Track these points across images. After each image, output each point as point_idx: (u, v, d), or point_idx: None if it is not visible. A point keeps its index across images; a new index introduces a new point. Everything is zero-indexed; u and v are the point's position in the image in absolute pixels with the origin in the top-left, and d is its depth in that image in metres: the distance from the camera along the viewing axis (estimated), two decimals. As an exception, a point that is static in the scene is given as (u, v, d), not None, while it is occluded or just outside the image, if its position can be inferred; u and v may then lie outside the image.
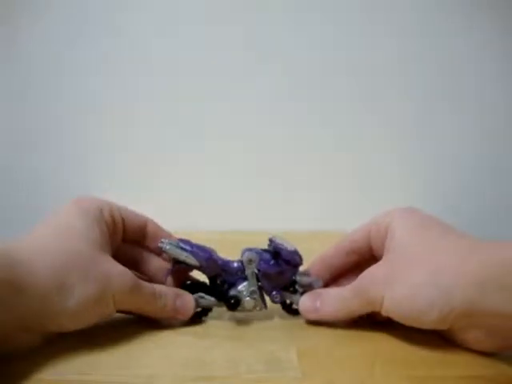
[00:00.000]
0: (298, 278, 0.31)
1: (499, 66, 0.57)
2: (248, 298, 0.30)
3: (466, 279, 0.23)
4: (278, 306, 0.32)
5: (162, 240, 0.30)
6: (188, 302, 0.30)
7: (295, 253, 0.30)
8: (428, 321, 0.25)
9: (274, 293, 0.31)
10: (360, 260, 0.32)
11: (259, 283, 0.31)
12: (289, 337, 0.29)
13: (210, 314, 0.31)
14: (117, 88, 0.59)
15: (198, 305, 0.30)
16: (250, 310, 0.31)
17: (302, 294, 0.31)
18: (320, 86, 0.58)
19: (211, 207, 0.58)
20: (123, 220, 0.31)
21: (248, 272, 0.30)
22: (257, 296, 0.31)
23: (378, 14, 0.57)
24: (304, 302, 0.30)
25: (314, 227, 0.54)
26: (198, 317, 0.31)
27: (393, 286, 0.26)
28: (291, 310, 0.32)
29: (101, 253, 0.27)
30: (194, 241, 0.31)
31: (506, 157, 0.59)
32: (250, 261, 0.30)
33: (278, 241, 0.30)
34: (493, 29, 0.56)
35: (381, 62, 0.57)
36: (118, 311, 0.28)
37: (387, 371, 0.24)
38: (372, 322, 0.30)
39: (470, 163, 0.59)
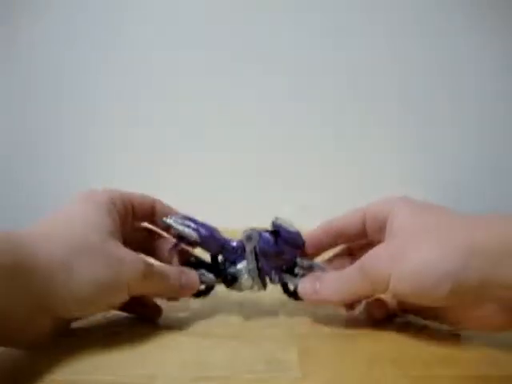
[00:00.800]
0: (298, 260, 0.31)
1: (499, 65, 0.57)
2: (246, 276, 0.30)
3: (477, 250, 0.23)
4: (278, 305, 0.32)
5: (168, 216, 0.31)
6: (193, 278, 0.30)
7: (296, 234, 0.30)
8: (440, 295, 0.24)
9: (273, 273, 0.31)
10: (348, 243, 0.32)
11: (259, 263, 0.31)
12: (289, 337, 0.28)
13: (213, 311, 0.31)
14: (117, 88, 0.59)
15: (200, 281, 0.31)
16: (247, 289, 0.31)
17: (303, 277, 0.30)
18: (320, 86, 0.58)
19: (211, 207, 0.58)
20: (133, 206, 0.31)
21: (247, 250, 0.30)
22: (255, 275, 0.30)
23: (377, 13, 0.57)
24: (303, 285, 0.29)
25: (314, 227, 0.54)
26: (199, 295, 0.31)
27: (401, 263, 0.25)
28: (292, 294, 0.31)
29: (112, 240, 0.27)
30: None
31: (506, 157, 0.59)
32: (249, 238, 0.30)
33: (280, 221, 0.30)
34: (493, 29, 0.56)
35: (381, 61, 0.57)
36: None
37: (387, 371, 0.24)
38: (372, 320, 0.30)
39: (470, 163, 0.59)
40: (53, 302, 0.24)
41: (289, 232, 0.30)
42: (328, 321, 0.31)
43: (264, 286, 0.31)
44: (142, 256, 0.29)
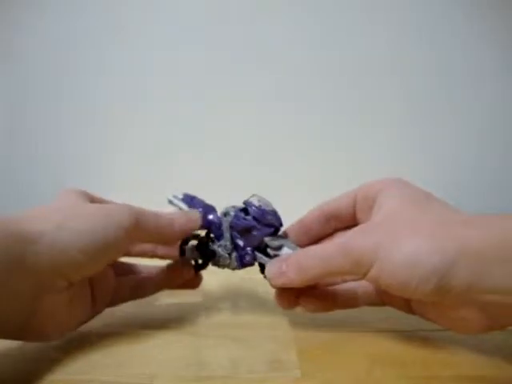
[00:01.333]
0: (266, 239, 0.29)
1: (500, 65, 0.57)
2: (222, 253, 0.30)
3: (469, 251, 0.22)
4: (277, 306, 0.32)
5: (172, 195, 0.32)
6: (194, 214, 0.30)
7: (268, 212, 0.29)
8: (423, 291, 0.23)
9: (247, 251, 0.30)
10: (340, 227, 0.31)
11: (234, 240, 0.30)
12: (289, 337, 0.28)
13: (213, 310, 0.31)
14: (116, 88, 0.59)
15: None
16: (226, 266, 0.31)
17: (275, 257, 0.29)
18: (320, 86, 0.58)
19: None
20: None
21: (223, 226, 0.30)
22: (230, 251, 0.30)
23: (377, 13, 0.57)
24: (269, 267, 0.28)
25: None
26: (198, 269, 0.32)
27: (389, 251, 0.23)
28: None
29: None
30: None
31: (507, 157, 0.59)
32: (225, 214, 0.30)
33: (253, 199, 0.30)
34: (493, 28, 0.56)
35: (380, 61, 0.57)
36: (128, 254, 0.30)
37: (387, 371, 0.24)
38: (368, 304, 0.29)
39: (470, 163, 0.59)
40: (53, 261, 0.23)
41: (258, 209, 0.29)
42: (328, 321, 0.31)
43: (241, 264, 0.30)
44: None
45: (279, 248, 0.29)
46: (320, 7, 0.57)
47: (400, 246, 0.23)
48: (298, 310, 0.32)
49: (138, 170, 0.60)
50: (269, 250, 0.30)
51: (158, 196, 0.33)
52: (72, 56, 0.58)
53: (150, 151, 0.60)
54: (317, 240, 0.31)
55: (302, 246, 0.30)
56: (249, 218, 0.30)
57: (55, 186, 0.60)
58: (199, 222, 0.30)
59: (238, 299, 0.34)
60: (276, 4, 0.57)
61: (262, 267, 0.30)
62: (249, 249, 0.30)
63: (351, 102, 0.59)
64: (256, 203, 0.29)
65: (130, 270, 0.33)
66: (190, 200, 0.32)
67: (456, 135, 0.59)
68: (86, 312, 0.27)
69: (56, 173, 0.61)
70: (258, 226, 0.29)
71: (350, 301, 0.29)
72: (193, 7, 0.57)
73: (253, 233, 0.30)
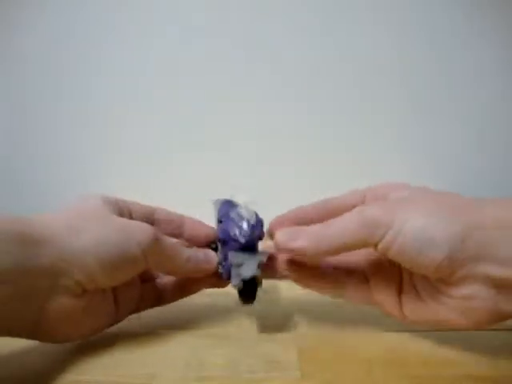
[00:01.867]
0: (230, 254, 0.28)
1: (500, 65, 0.57)
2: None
3: (483, 223, 0.22)
4: (278, 304, 0.32)
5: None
6: (210, 254, 0.30)
7: (235, 225, 0.28)
8: (436, 258, 0.22)
9: (222, 263, 0.29)
10: None
11: (220, 251, 0.30)
12: (289, 337, 0.28)
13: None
14: (116, 88, 0.59)
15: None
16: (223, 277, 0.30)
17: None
18: (320, 86, 0.58)
19: (211, 207, 0.58)
20: (130, 212, 0.30)
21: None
22: (220, 262, 0.29)
23: (378, 13, 0.57)
24: (279, 235, 0.26)
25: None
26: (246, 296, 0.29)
27: (404, 221, 0.23)
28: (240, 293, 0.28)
29: (113, 213, 0.27)
30: None
31: (507, 157, 0.59)
32: (219, 222, 0.30)
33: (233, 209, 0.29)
34: (494, 28, 0.56)
35: (381, 61, 0.57)
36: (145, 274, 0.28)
37: (387, 371, 0.24)
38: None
39: (470, 163, 0.59)
40: (68, 266, 0.23)
41: (226, 220, 0.28)
42: (328, 321, 0.31)
43: (228, 278, 0.28)
44: None
45: (239, 265, 0.27)
46: (321, 7, 0.57)
47: (413, 219, 0.23)
48: (298, 312, 0.32)
49: (138, 171, 0.60)
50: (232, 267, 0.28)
51: (157, 196, 0.33)
52: (71, 56, 0.58)
53: (150, 151, 0.60)
54: None
55: None
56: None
57: (55, 185, 0.60)
58: (214, 265, 0.29)
59: (237, 299, 0.34)
60: (276, 4, 0.57)
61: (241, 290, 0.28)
62: (224, 263, 0.29)
63: (352, 102, 0.59)
64: (231, 214, 0.28)
65: (154, 275, 0.32)
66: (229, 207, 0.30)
67: (456, 135, 0.59)
68: (106, 318, 0.27)
69: (56, 173, 0.61)
70: (227, 239, 0.28)
71: (337, 284, 0.28)
72: (193, 7, 0.57)
73: (224, 246, 0.29)
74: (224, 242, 0.29)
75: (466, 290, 0.23)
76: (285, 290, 0.36)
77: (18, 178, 0.61)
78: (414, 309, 0.26)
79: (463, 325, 0.24)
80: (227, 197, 0.31)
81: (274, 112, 0.59)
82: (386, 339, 0.28)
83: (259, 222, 0.28)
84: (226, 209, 0.30)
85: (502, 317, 0.23)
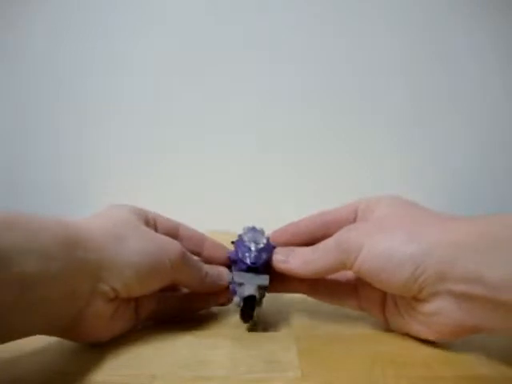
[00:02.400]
0: (234, 273, 0.30)
1: (501, 65, 0.57)
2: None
3: (444, 240, 0.24)
4: (278, 304, 0.32)
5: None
6: (223, 271, 0.31)
7: (245, 247, 0.30)
8: (399, 280, 0.24)
9: (232, 281, 0.31)
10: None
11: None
12: (289, 337, 0.28)
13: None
14: (116, 88, 0.59)
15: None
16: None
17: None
18: (321, 86, 0.58)
19: (211, 208, 0.58)
20: (156, 225, 0.31)
21: None
22: (230, 282, 0.31)
23: (378, 13, 0.57)
24: (276, 255, 0.30)
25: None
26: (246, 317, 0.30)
27: (372, 239, 0.26)
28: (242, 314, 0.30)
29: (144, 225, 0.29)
30: None
31: (507, 157, 0.60)
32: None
33: (244, 233, 0.31)
34: (495, 28, 0.56)
35: (381, 61, 0.58)
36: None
37: (387, 371, 0.24)
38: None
39: (470, 163, 0.60)
40: (109, 272, 0.25)
41: (239, 242, 0.31)
42: (328, 321, 0.31)
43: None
44: None
45: (241, 285, 0.29)
46: (321, 7, 0.57)
47: (381, 238, 0.26)
48: (298, 309, 0.32)
49: (138, 171, 0.60)
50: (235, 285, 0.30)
51: (157, 196, 0.33)
52: (71, 56, 0.58)
53: (150, 152, 0.60)
54: (312, 241, 0.32)
55: (294, 245, 0.31)
56: (233, 251, 0.31)
57: (55, 185, 0.60)
58: (225, 283, 0.31)
59: (237, 299, 0.34)
60: (277, 4, 0.57)
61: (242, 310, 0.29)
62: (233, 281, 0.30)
63: (352, 102, 0.59)
64: (243, 237, 0.31)
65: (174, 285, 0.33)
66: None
67: (457, 135, 0.59)
68: (126, 324, 0.28)
69: (56, 173, 0.61)
70: (237, 260, 0.30)
71: (333, 293, 0.31)
72: (193, 7, 0.57)
73: (234, 266, 0.31)
74: (234, 262, 0.31)
75: (432, 306, 0.25)
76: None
77: (18, 177, 0.61)
78: (394, 321, 0.28)
79: (432, 337, 0.26)
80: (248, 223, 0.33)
81: (275, 112, 0.59)
82: (385, 339, 0.28)
83: (269, 247, 0.30)
84: (248, 233, 0.32)
85: (467, 330, 0.25)
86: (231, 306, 0.32)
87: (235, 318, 0.31)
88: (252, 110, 0.59)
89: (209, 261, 0.32)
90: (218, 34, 0.57)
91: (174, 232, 0.32)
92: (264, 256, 0.30)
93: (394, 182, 0.59)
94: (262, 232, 0.32)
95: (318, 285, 0.31)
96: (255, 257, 0.29)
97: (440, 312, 0.25)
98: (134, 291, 0.27)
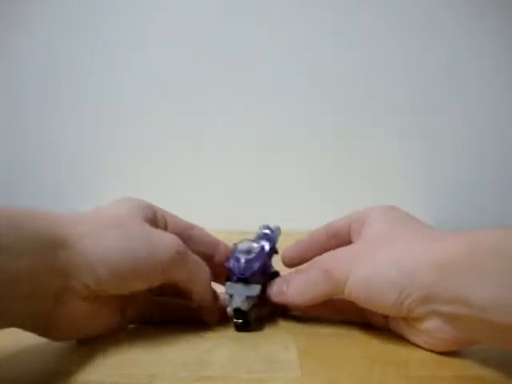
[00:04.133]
0: (226, 284, 0.30)
1: (501, 65, 0.57)
2: None
3: (427, 263, 0.24)
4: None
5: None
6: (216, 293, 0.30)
7: (235, 258, 0.30)
8: (386, 304, 0.25)
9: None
10: (339, 245, 0.31)
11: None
12: (289, 337, 0.28)
13: None
14: (116, 88, 0.59)
15: None
16: None
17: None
18: (321, 86, 0.58)
19: (211, 208, 0.58)
20: (166, 223, 0.30)
21: None
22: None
23: (378, 13, 0.57)
24: (272, 287, 0.30)
25: (314, 227, 0.54)
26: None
27: (357, 266, 0.26)
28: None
29: (146, 223, 0.27)
30: None
31: (508, 157, 0.60)
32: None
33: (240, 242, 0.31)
34: (495, 28, 0.56)
35: (381, 61, 0.58)
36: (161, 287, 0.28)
37: (387, 371, 0.24)
38: (364, 322, 0.30)
39: (471, 163, 0.60)
40: (82, 270, 0.24)
41: (231, 254, 0.30)
42: (328, 321, 0.31)
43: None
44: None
45: (231, 296, 0.29)
46: (321, 7, 0.57)
47: (365, 262, 0.26)
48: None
49: (138, 171, 0.60)
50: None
51: (157, 196, 0.33)
52: (70, 56, 0.58)
53: (150, 152, 0.60)
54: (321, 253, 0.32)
55: (307, 261, 0.31)
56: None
57: (55, 185, 0.60)
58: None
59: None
60: (278, 4, 0.57)
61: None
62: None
63: (352, 103, 0.59)
64: (237, 246, 0.30)
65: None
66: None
67: (457, 135, 0.59)
68: (108, 323, 0.27)
69: (54, 173, 0.61)
70: (229, 271, 0.30)
71: (337, 310, 0.31)
72: (193, 7, 0.57)
73: (229, 276, 0.30)
74: (228, 272, 0.30)
75: (425, 325, 0.25)
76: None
77: (17, 177, 0.61)
78: (397, 331, 0.28)
79: (431, 349, 0.26)
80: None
81: (274, 113, 0.59)
82: (385, 339, 0.28)
83: (260, 256, 0.30)
84: (243, 242, 0.31)
85: (463, 344, 0.25)
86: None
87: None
88: (252, 110, 0.59)
89: (220, 266, 0.31)
90: (219, 32, 0.57)
91: (186, 233, 0.31)
92: (255, 266, 0.29)
93: (395, 186, 0.59)
94: (268, 236, 0.32)
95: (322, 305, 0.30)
96: (244, 268, 0.29)
97: (433, 329, 0.25)
98: (111, 289, 0.25)
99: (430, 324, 0.25)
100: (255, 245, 0.31)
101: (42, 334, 0.25)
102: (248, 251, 0.30)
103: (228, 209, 0.58)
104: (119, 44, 0.58)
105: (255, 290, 0.29)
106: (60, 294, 0.24)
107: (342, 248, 0.29)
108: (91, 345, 0.27)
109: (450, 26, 0.57)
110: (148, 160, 0.60)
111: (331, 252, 0.29)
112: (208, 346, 0.27)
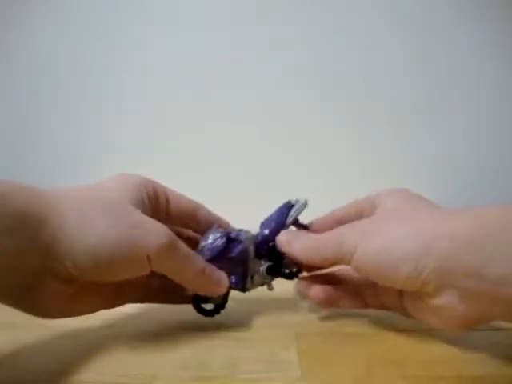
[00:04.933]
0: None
1: (501, 65, 0.57)
2: None
3: (442, 235, 0.23)
4: (278, 304, 0.32)
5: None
6: (223, 277, 0.29)
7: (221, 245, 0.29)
8: (399, 276, 0.24)
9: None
10: None
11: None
12: (289, 337, 0.28)
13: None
14: (116, 88, 0.59)
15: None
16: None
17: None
18: (321, 86, 0.58)
19: (211, 208, 0.58)
20: (168, 200, 0.30)
21: None
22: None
23: (378, 13, 0.57)
24: (282, 235, 0.31)
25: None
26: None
27: (369, 237, 0.26)
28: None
29: (137, 209, 0.26)
30: None
31: (508, 157, 0.59)
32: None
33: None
34: (495, 28, 0.56)
35: (382, 61, 0.57)
36: (152, 273, 0.26)
37: (386, 371, 0.24)
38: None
39: (471, 163, 0.59)
40: (62, 252, 0.23)
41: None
42: (328, 321, 0.31)
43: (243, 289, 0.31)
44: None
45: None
46: (321, 8, 0.57)
47: (378, 234, 0.25)
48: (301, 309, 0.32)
49: (137, 171, 0.60)
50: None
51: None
52: (70, 56, 0.58)
53: (150, 152, 0.60)
54: None
55: None
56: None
57: (54, 185, 0.60)
58: (224, 289, 0.29)
59: (237, 299, 0.34)
60: (278, 4, 0.57)
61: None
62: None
63: (352, 103, 0.59)
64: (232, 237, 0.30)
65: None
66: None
67: (457, 135, 0.59)
68: (91, 308, 0.27)
69: (55, 172, 0.61)
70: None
71: (356, 296, 0.31)
72: (192, 8, 0.57)
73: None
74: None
75: (438, 300, 0.24)
76: (283, 289, 0.36)
77: (17, 177, 0.61)
78: (411, 309, 0.28)
79: (443, 327, 0.26)
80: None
81: (274, 113, 0.59)
82: (385, 339, 0.28)
83: (217, 249, 0.29)
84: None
85: (474, 322, 0.24)
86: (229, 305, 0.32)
87: (235, 318, 0.31)
88: (252, 110, 0.59)
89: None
90: (219, 32, 0.57)
91: (191, 213, 0.30)
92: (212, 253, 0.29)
93: (395, 186, 0.59)
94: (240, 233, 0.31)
95: (340, 290, 0.31)
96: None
97: (446, 306, 0.24)
98: (93, 276, 0.24)
99: (444, 299, 0.24)
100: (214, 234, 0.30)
101: (24, 309, 0.24)
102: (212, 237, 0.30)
103: (228, 209, 0.58)
104: (119, 44, 0.58)
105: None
106: (40, 272, 0.23)
107: (356, 221, 0.29)
108: (91, 345, 0.27)
109: (450, 26, 0.57)
110: (148, 160, 0.60)
111: (347, 224, 0.28)
112: (208, 346, 0.27)
